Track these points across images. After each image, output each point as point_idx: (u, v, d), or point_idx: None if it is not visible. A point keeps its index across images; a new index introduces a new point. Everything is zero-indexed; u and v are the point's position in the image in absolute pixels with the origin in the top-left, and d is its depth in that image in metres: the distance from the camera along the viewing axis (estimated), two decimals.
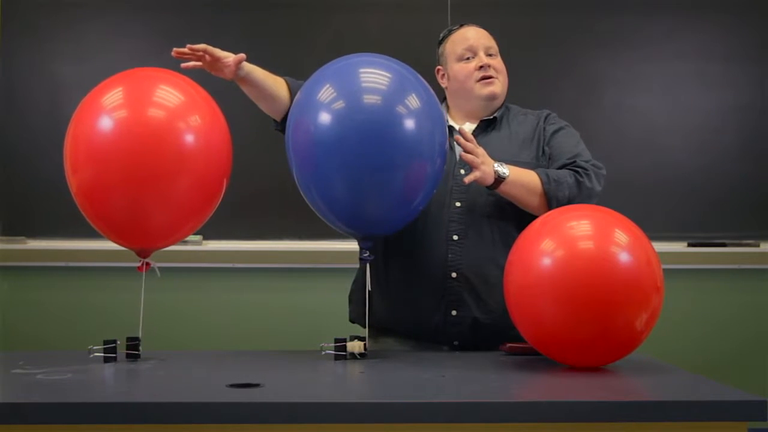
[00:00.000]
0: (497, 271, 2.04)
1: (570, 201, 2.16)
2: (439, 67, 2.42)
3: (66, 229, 3.25)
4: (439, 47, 2.44)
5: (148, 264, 2.03)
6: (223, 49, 2.16)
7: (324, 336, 2.06)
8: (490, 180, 2.11)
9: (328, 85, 1.98)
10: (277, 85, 2.24)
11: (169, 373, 1.87)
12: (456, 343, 2.23)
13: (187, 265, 3.27)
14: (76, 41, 3.37)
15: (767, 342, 3.35)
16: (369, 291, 2.10)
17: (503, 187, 2.13)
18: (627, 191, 3.27)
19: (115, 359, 1.95)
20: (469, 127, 2.33)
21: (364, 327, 2.11)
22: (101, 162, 1.92)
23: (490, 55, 2.35)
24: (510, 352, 2.06)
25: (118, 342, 1.98)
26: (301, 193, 2.05)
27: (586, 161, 2.24)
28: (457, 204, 2.23)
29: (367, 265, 2.09)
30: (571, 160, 2.23)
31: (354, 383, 1.82)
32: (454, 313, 2.20)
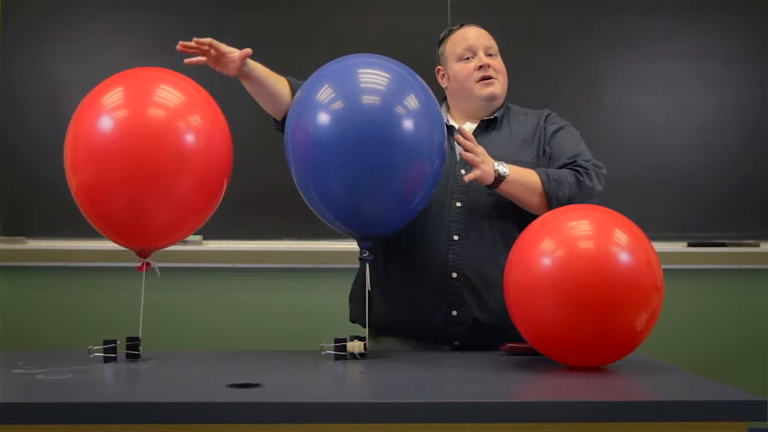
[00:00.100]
0: (498, 271, 2.04)
1: (570, 200, 2.16)
2: (439, 67, 2.42)
3: (66, 229, 3.25)
4: (439, 47, 2.44)
5: (148, 264, 2.03)
6: None
7: (324, 336, 2.06)
8: (490, 179, 2.11)
9: (327, 86, 1.98)
10: (279, 83, 2.24)
11: (169, 373, 1.87)
12: (456, 343, 2.23)
13: (187, 265, 3.27)
14: (76, 41, 3.37)
15: (767, 342, 3.35)
16: (369, 291, 2.10)
17: (503, 187, 2.13)
18: (627, 191, 3.27)
19: (115, 359, 1.95)
20: (469, 126, 2.33)
21: (365, 327, 2.11)
22: (101, 162, 1.92)
23: (490, 55, 2.35)
24: (510, 352, 2.06)
25: (118, 342, 1.98)
26: (300, 193, 2.05)
27: (587, 161, 2.24)
28: (458, 204, 2.23)
29: (367, 265, 2.10)
30: (572, 160, 2.23)
31: (354, 383, 1.82)
32: (454, 313, 2.20)
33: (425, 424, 1.52)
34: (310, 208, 2.06)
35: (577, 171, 2.20)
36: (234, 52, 2.14)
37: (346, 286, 2.40)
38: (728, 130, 3.43)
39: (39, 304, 3.32)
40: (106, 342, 1.96)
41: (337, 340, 2.00)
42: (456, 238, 2.21)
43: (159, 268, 2.05)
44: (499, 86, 2.34)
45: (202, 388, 1.70)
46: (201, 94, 2.05)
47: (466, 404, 1.53)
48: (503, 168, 2.12)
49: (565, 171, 2.21)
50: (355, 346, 1.99)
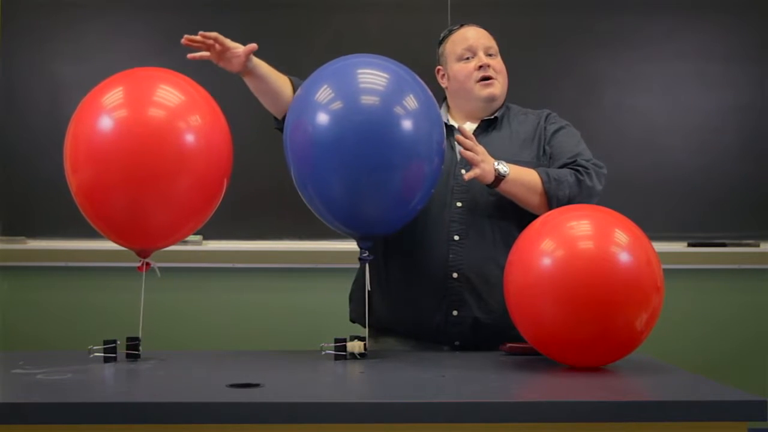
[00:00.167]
0: (498, 271, 2.04)
1: (570, 200, 2.16)
2: (439, 67, 2.42)
3: (66, 229, 3.25)
4: (439, 47, 2.44)
5: (148, 264, 2.03)
6: None
7: (324, 336, 2.06)
8: (490, 178, 2.11)
9: (326, 86, 1.98)
10: (281, 81, 2.24)
11: (169, 373, 1.87)
12: (457, 343, 2.23)
13: (187, 265, 3.27)
14: (76, 41, 3.37)
15: (767, 342, 3.35)
16: (369, 291, 2.10)
17: (503, 186, 2.13)
18: (627, 191, 3.27)
19: (115, 359, 1.95)
20: (469, 126, 2.33)
21: (365, 327, 2.11)
22: (101, 162, 1.92)
23: (489, 55, 2.35)
24: (510, 352, 2.06)
25: (118, 342, 1.97)
26: (299, 193, 2.05)
27: (587, 160, 2.24)
28: (458, 204, 2.23)
29: (367, 265, 2.10)
30: (572, 159, 2.23)
31: (354, 383, 1.82)
32: (455, 313, 2.20)
33: (425, 424, 1.52)
34: (309, 208, 2.06)
35: (578, 170, 2.20)
36: (239, 48, 2.14)
37: (346, 286, 2.40)
38: (728, 130, 3.43)
39: (39, 304, 3.32)
40: (106, 342, 1.96)
41: (337, 340, 2.00)
42: (456, 238, 2.21)
43: (159, 268, 2.05)
44: (498, 87, 2.34)
45: (202, 388, 1.70)
46: (201, 93, 2.05)
47: (466, 404, 1.53)
48: (503, 167, 2.12)
49: (565, 170, 2.21)
50: (355, 346, 1.99)
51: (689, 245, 3.39)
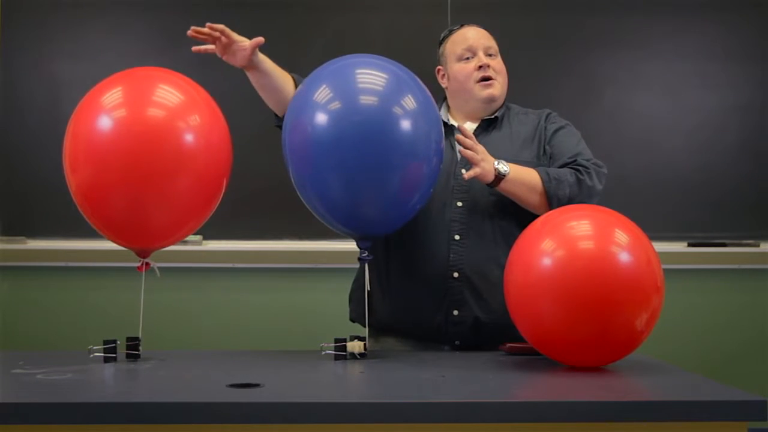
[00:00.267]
0: (499, 271, 2.04)
1: (571, 200, 2.16)
2: (439, 67, 2.42)
3: (66, 229, 3.25)
4: (439, 47, 2.44)
5: (147, 264, 2.03)
6: None
7: (324, 336, 2.06)
8: (490, 177, 2.11)
9: (324, 86, 1.98)
10: (284, 78, 2.24)
11: (169, 373, 1.86)
12: (457, 342, 2.23)
13: (187, 265, 3.27)
14: (76, 41, 3.37)
15: (767, 342, 3.35)
16: (368, 291, 2.10)
17: (503, 185, 2.14)
18: (627, 191, 3.27)
19: (115, 359, 1.95)
20: (470, 126, 2.33)
21: (365, 326, 2.11)
22: (100, 161, 1.91)
23: (489, 56, 2.35)
24: (510, 352, 2.06)
25: (118, 342, 1.97)
26: (298, 193, 2.05)
27: (587, 160, 2.24)
28: (459, 204, 2.23)
29: (366, 265, 2.10)
30: (572, 159, 2.23)
31: (354, 383, 1.82)
32: (455, 312, 2.20)
33: (425, 424, 1.52)
34: (308, 208, 2.06)
35: (578, 170, 2.20)
36: (245, 41, 2.14)
37: (346, 286, 2.40)
38: (728, 129, 3.43)
39: (39, 304, 3.32)
40: (106, 342, 1.96)
41: (337, 340, 2.00)
42: (457, 237, 2.21)
43: (159, 268, 2.05)
44: (498, 87, 2.34)
45: (202, 388, 1.70)
46: (200, 93, 2.05)
47: (466, 404, 1.53)
48: (503, 166, 2.12)
49: (565, 170, 2.21)
50: (355, 346, 1.99)
51: (689, 245, 3.39)
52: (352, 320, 2.35)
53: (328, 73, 2.04)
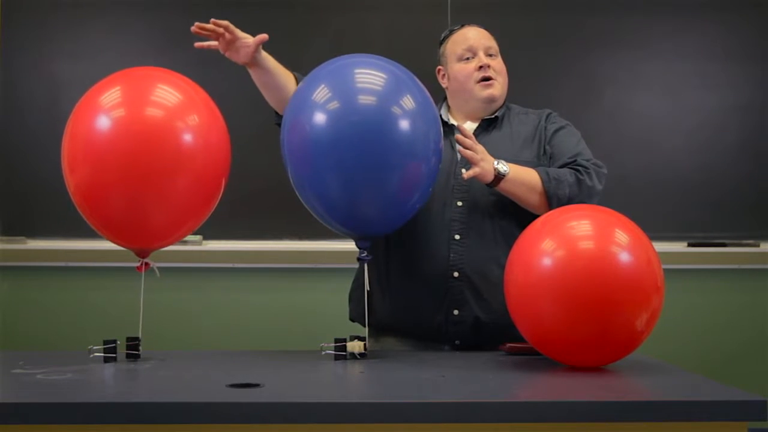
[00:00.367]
0: (499, 271, 2.04)
1: (570, 200, 2.16)
2: (439, 67, 2.42)
3: (66, 229, 3.25)
4: (440, 47, 2.44)
5: (147, 264, 2.03)
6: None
7: (324, 336, 2.06)
8: (490, 177, 2.11)
9: (323, 86, 1.98)
10: (286, 76, 2.25)
11: (169, 373, 1.86)
12: (457, 342, 2.23)
13: (187, 265, 3.27)
14: (76, 41, 3.37)
15: (767, 342, 3.35)
16: (368, 291, 2.10)
17: (503, 185, 2.14)
18: (627, 191, 3.27)
19: (115, 359, 1.95)
20: (470, 126, 2.33)
21: (364, 326, 2.11)
22: (99, 161, 1.91)
23: (490, 56, 2.35)
24: (510, 352, 2.06)
25: (118, 342, 1.97)
26: (297, 193, 2.05)
27: (587, 160, 2.24)
28: (459, 203, 2.23)
29: (365, 265, 2.10)
30: (572, 159, 2.23)
31: (354, 383, 1.82)
32: (455, 312, 2.20)
33: (425, 424, 1.52)
34: (307, 208, 2.06)
35: (578, 170, 2.20)
36: (248, 38, 2.14)
37: (346, 286, 2.40)
38: (728, 129, 3.43)
39: (39, 304, 3.32)
40: (106, 342, 1.96)
41: (337, 340, 2.00)
42: (457, 237, 2.21)
43: (159, 268, 2.05)
44: (498, 87, 2.34)
45: (202, 388, 1.70)
46: (199, 93, 2.04)
47: (466, 404, 1.53)
48: (503, 166, 2.12)
49: (565, 170, 2.21)
50: (355, 346, 1.99)
51: (689, 245, 3.39)
52: (352, 320, 2.35)
53: (327, 73, 2.04)
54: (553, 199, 2.15)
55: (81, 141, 1.94)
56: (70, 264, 3.30)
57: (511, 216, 2.21)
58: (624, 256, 1.80)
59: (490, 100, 2.33)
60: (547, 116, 2.37)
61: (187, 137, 1.95)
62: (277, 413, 1.50)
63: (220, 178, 2.04)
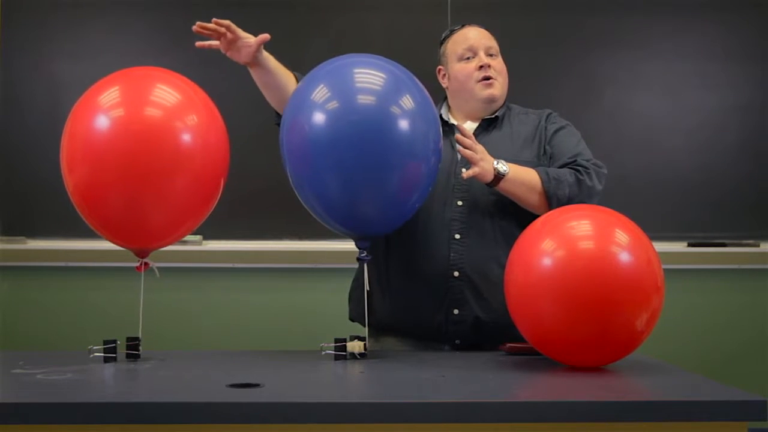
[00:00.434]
0: (499, 270, 2.04)
1: (570, 200, 2.16)
2: (440, 66, 2.42)
3: (66, 229, 3.25)
4: (440, 47, 2.44)
5: (146, 264, 2.03)
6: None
7: (324, 336, 2.06)
8: (490, 176, 2.11)
9: (322, 86, 1.98)
10: (287, 76, 2.25)
11: (169, 373, 1.86)
12: (457, 342, 2.23)
13: (187, 265, 3.27)
14: (76, 41, 3.37)
15: (767, 342, 3.35)
16: (368, 291, 2.10)
17: (503, 185, 2.14)
18: (627, 191, 3.27)
19: (115, 359, 1.95)
20: (470, 126, 2.33)
21: (364, 326, 2.11)
22: (97, 161, 1.91)
23: (490, 56, 2.35)
24: (510, 352, 2.06)
25: (118, 342, 1.97)
26: (296, 193, 2.05)
27: (587, 160, 2.24)
28: (459, 203, 2.23)
29: (365, 265, 2.10)
30: (572, 159, 2.23)
31: (354, 383, 1.82)
32: (455, 312, 2.20)
33: (425, 424, 1.52)
34: (306, 208, 2.06)
35: (578, 170, 2.20)
36: (250, 38, 2.15)
37: (346, 286, 2.40)
38: (728, 129, 3.43)
39: (39, 304, 3.32)
40: (106, 342, 1.96)
41: (337, 340, 2.00)
42: (457, 236, 2.21)
43: (158, 268, 2.05)
44: (498, 87, 2.34)
45: (202, 388, 1.70)
46: (198, 93, 2.04)
47: (466, 404, 1.53)
48: (503, 166, 2.12)
49: (565, 170, 2.21)
50: (355, 346, 1.99)
51: (689, 245, 3.39)
52: (352, 319, 2.35)
53: (326, 73, 2.04)
54: (553, 199, 2.15)
55: (80, 141, 1.94)
56: (70, 264, 3.30)
57: (511, 216, 2.21)
58: (624, 256, 1.80)
59: (490, 99, 2.33)
60: (548, 116, 2.37)
61: (186, 137, 1.95)
62: (277, 413, 1.50)
63: (219, 178, 2.04)
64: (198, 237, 3.29)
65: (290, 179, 2.04)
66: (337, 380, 1.83)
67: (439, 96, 2.39)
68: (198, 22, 2.14)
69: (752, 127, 3.43)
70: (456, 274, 2.20)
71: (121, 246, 2.02)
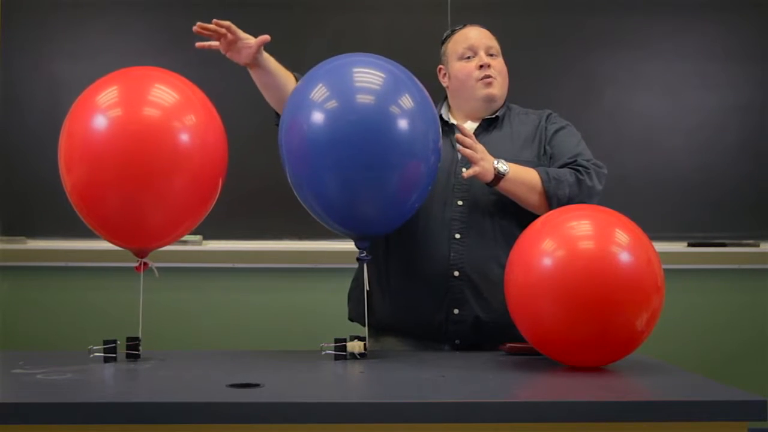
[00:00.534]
0: (499, 270, 2.04)
1: (570, 200, 2.16)
2: (441, 66, 2.42)
3: (66, 229, 3.25)
4: (441, 46, 2.44)
5: (145, 264, 2.03)
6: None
7: (324, 336, 2.06)
8: (490, 176, 2.11)
9: (321, 85, 1.98)
10: (287, 77, 2.25)
11: (169, 373, 1.86)
12: (457, 341, 2.23)
13: (187, 265, 3.27)
14: (76, 41, 3.37)
15: (767, 342, 3.35)
16: (368, 290, 2.10)
17: (503, 185, 2.14)
18: (627, 191, 3.27)
19: (115, 359, 1.95)
20: (470, 125, 2.33)
21: (364, 326, 2.11)
22: (96, 161, 1.91)
23: (491, 55, 2.35)
24: (510, 352, 2.06)
25: (118, 342, 1.97)
26: (295, 193, 2.05)
27: (587, 160, 2.24)
28: (459, 202, 2.23)
29: (365, 265, 2.10)
30: (572, 159, 2.23)
31: (354, 383, 1.82)
32: (455, 311, 2.20)
33: (425, 424, 1.52)
34: (306, 208, 2.05)
35: (578, 170, 2.20)
36: (250, 39, 2.15)
37: (346, 286, 2.40)
38: (728, 129, 3.43)
39: (39, 304, 3.32)
40: (106, 342, 1.96)
41: (337, 340, 2.00)
42: (457, 236, 2.21)
43: (158, 268, 2.05)
44: (498, 87, 2.34)
45: (202, 388, 1.70)
46: (196, 93, 2.04)
47: (466, 404, 1.53)
48: (503, 166, 2.12)
49: (565, 170, 2.21)
50: (355, 346, 1.99)
51: (689, 245, 3.39)
52: (351, 319, 2.35)
53: (324, 72, 2.04)
54: (553, 199, 2.15)
55: (78, 140, 1.94)
56: (70, 264, 3.30)
57: (511, 215, 2.21)
58: (624, 256, 1.80)
59: (490, 99, 2.33)
60: (548, 116, 2.37)
61: (184, 137, 1.94)
62: (277, 413, 1.50)
63: (217, 178, 2.04)
64: (198, 237, 3.29)
65: (289, 179, 2.04)
66: (337, 380, 1.83)
67: (439, 96, 2.39)
68: (198, 23, 2.14)
69: (752, 127, 3.43)
70: (456, 273, 2.20)
71: (120, 246, 2.02)
